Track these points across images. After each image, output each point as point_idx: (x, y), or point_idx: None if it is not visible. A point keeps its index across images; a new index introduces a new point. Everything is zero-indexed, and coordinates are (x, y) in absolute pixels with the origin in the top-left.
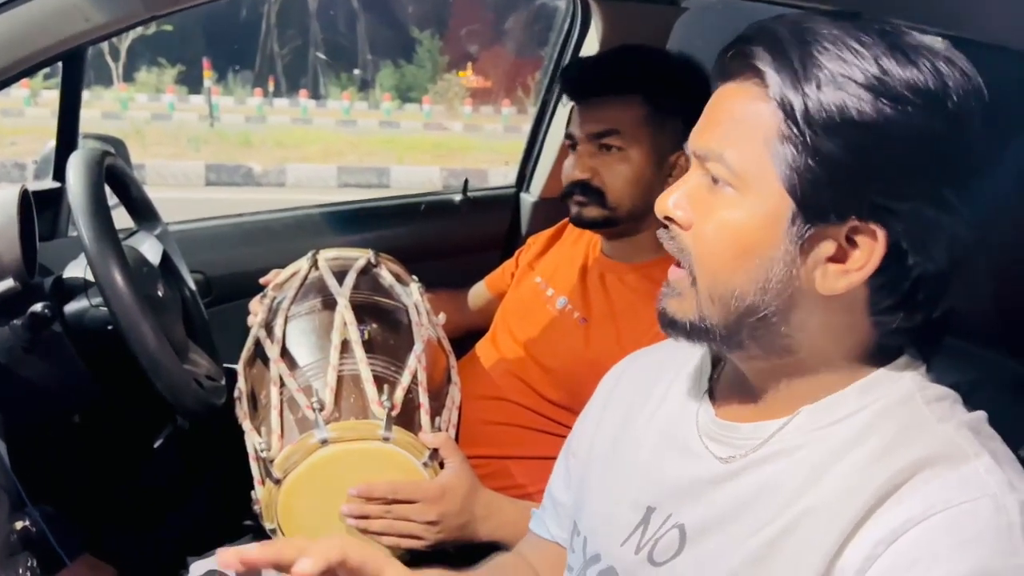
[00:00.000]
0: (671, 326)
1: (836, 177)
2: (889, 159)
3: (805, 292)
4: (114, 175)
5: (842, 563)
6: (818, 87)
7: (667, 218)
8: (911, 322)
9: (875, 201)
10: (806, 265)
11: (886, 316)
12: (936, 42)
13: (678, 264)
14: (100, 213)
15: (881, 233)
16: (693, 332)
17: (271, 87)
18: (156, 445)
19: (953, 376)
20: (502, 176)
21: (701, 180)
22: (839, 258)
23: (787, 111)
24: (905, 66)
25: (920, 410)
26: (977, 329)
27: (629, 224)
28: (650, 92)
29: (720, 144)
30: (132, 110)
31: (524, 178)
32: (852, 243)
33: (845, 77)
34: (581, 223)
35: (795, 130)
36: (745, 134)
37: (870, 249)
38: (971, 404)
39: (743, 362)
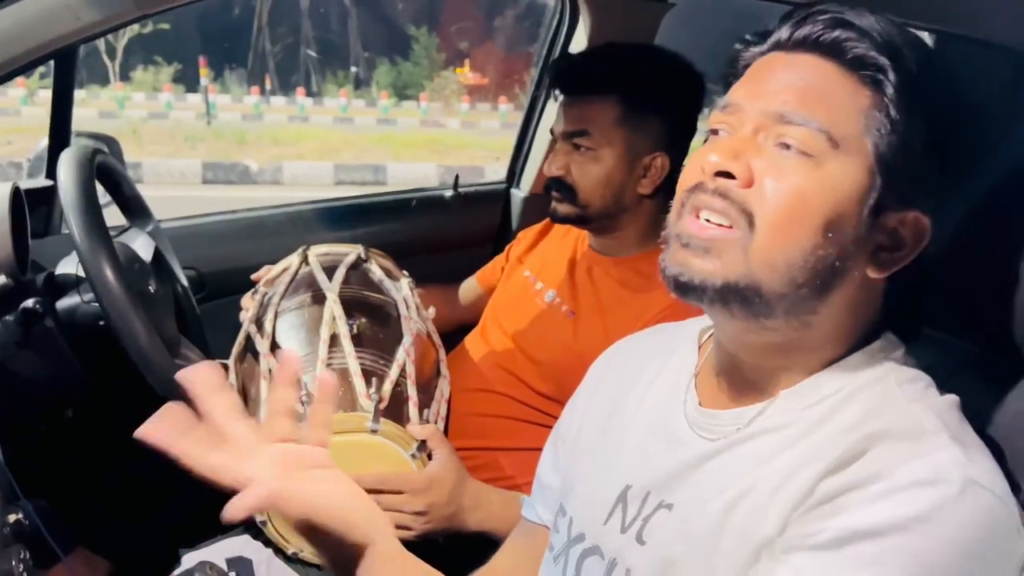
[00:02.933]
0: (694, 291)
1: (920, 164)
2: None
3: (852, 272)
4: (105, 172)
5: (791, 518)
6: (928, 84)
7: (722, 174)
8: (904, 310)
9: (936, 191)
10: (865, 245)
11: (894, 303)
12: None
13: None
14: (90, 210)
15: (928, 223)
16: (723, 293)
17: (268, 85)
18: None
19: (927, 361)
20: (496, 173)
21: (763, 142)
22: (888, 245)
23: (900, 99)
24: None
25: (891, 391)
26: (946, 319)
27: (603, 222)
28: (627, 92)
29: (812, 110)
30: (129, 109)
31: (514, 174)
32: (897, 233)
33: (941, 85)
34: (555, 218)
35: (903, 116)
36: (842, 108)
37: (916, 239)
38: (947, 387)
39: (754, 333)
